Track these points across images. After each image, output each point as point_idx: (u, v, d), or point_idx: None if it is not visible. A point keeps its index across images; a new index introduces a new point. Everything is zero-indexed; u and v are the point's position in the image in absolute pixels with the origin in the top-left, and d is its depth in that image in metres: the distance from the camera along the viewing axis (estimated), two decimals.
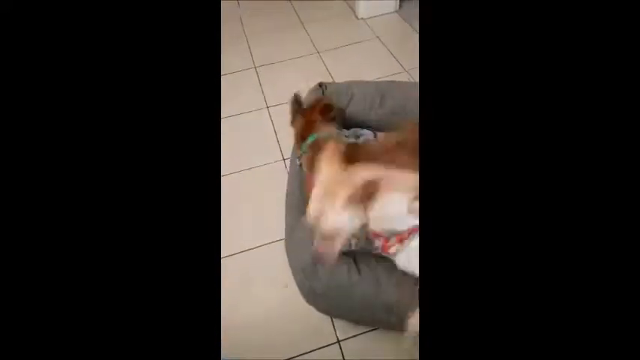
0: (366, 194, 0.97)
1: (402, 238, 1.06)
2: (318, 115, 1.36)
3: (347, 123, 1.66)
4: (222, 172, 1.75)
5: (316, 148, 1.27)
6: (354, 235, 1.13)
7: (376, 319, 1.19)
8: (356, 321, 1.25)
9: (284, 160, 1.78)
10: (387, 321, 1.18)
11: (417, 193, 0.98)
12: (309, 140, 1.30)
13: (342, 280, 1.14)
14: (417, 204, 0.97)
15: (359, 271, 1.14)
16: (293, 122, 1.42)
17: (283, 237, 1.34)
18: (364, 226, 1.04)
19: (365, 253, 1.23)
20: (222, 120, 2.02)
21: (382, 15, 2.64)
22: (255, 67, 2.35)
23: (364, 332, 1.25)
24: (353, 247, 1.24)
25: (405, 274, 1.13)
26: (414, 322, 0.90)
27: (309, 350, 1.23)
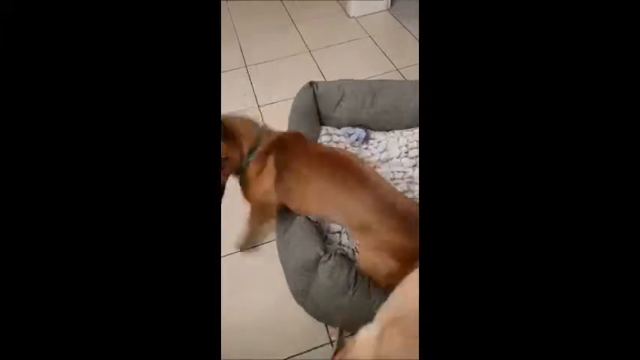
0: None
1: None
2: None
3: (338, 122, 1.65)
4: None
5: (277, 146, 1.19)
6: None
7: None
8: (340, 327, 1.25)
9: None
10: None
11: None
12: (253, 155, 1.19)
13: (333, 286, 1.14)
14: None
15: (355, 281, 1.14)
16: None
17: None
18: None
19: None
20: None
21: (374, 13, 2.64)
22: (246, 66, 2.33)
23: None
24: None
25: None
26: None
27: (303, 351, 1.23)
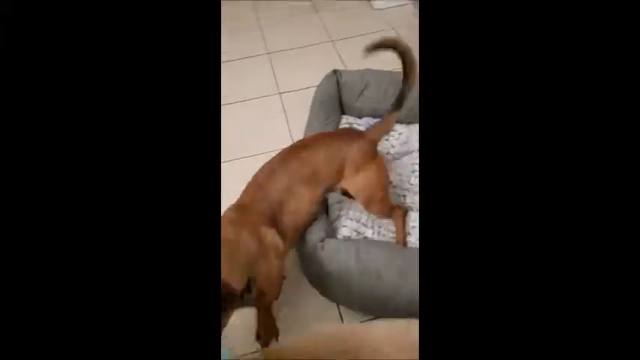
0: None
1: None
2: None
3: (360, 112, 1.65)
4: (232, 157, 1.74)
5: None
6: None
7: (374, 308, 1.20)
8: (356, 309, 1.26)
9: None
10: (384, 311, 1.19)
11: None
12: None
13: (343, 269, 1.15)
14: None
15: (360, 260, 1.15)
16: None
17: None
18: None
19: (368, 242, 1.23)
20: (232, 104, 2.01)
21: (398, 6, 2.61)
22: (268, 53, 2.33)
23: (370, 318, 1.25)
24: None
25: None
26: None
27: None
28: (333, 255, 1.15)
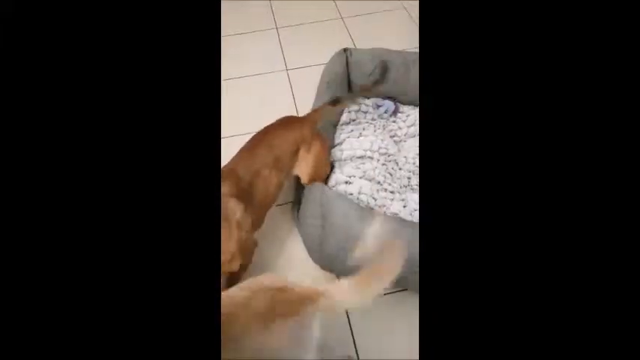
0: None
1: None
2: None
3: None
4: (236, 133, 1.73)
5: None
6: None
7: None
8: None
9: None
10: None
11: None
12: None
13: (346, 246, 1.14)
14: None
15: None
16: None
17: (292, 200, 1.37)
18: None
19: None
20: (238, 79, 1.99)
21: None
22: (276, 28, 2.29)
23: None
24: None
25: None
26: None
27: None
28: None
